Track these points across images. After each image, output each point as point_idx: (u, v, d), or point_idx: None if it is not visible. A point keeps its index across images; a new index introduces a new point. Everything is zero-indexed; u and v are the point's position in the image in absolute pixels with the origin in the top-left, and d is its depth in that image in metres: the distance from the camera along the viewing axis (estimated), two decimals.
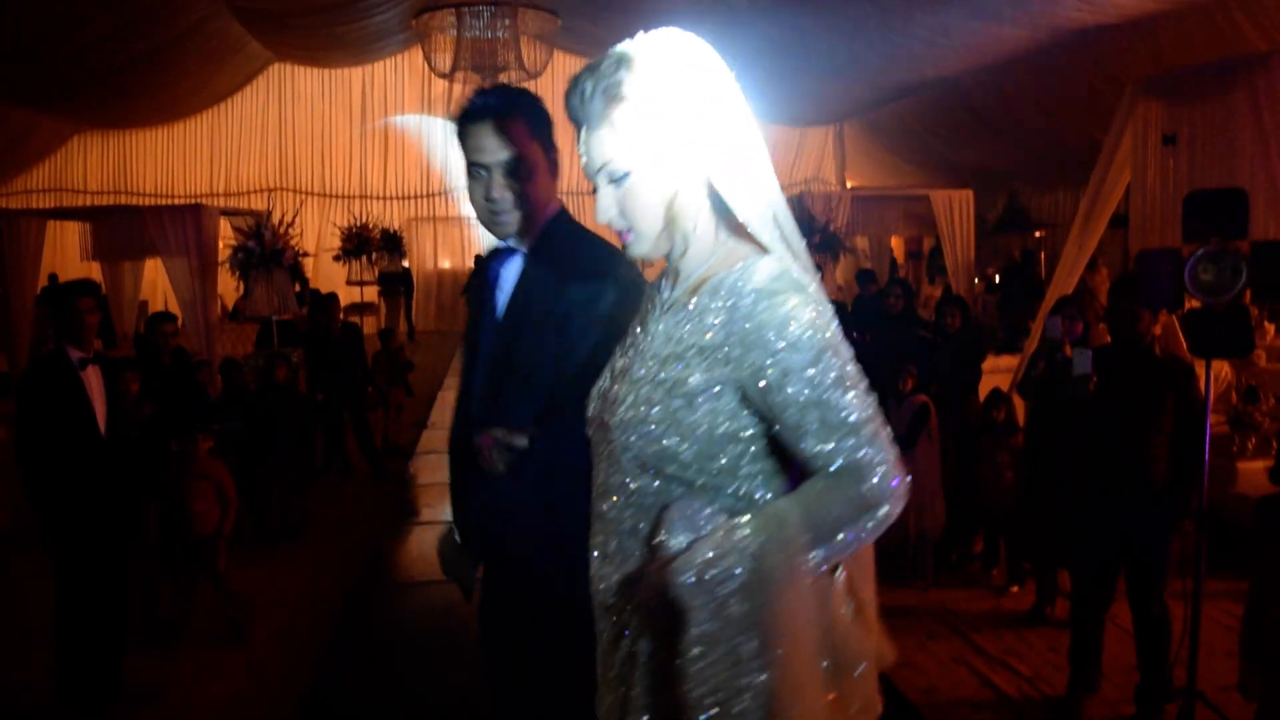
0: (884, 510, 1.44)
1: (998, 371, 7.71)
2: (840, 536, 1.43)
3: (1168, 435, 3.95)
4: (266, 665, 4.84)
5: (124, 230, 10.27)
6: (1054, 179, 15.17)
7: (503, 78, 12.04)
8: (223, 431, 5.84)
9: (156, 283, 14.25)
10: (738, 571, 1.39)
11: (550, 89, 18.75)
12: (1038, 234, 14.95)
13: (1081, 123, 11.98)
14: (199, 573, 5.04)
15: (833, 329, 1.46)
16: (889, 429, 1.49)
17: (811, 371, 1.42)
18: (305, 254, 8.48)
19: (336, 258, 15.66)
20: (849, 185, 20.48)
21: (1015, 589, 5.56)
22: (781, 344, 1.42)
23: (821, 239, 8.95)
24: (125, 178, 18.25)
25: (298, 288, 9.46)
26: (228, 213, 11.96)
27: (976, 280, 14.58)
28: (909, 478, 1.47)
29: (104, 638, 4.26)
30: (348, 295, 15.90)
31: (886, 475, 1.44)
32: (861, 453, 1.43)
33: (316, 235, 17.22)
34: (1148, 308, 3.76)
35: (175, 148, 18.62)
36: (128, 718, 4.32)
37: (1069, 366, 4.08)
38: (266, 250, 7.66)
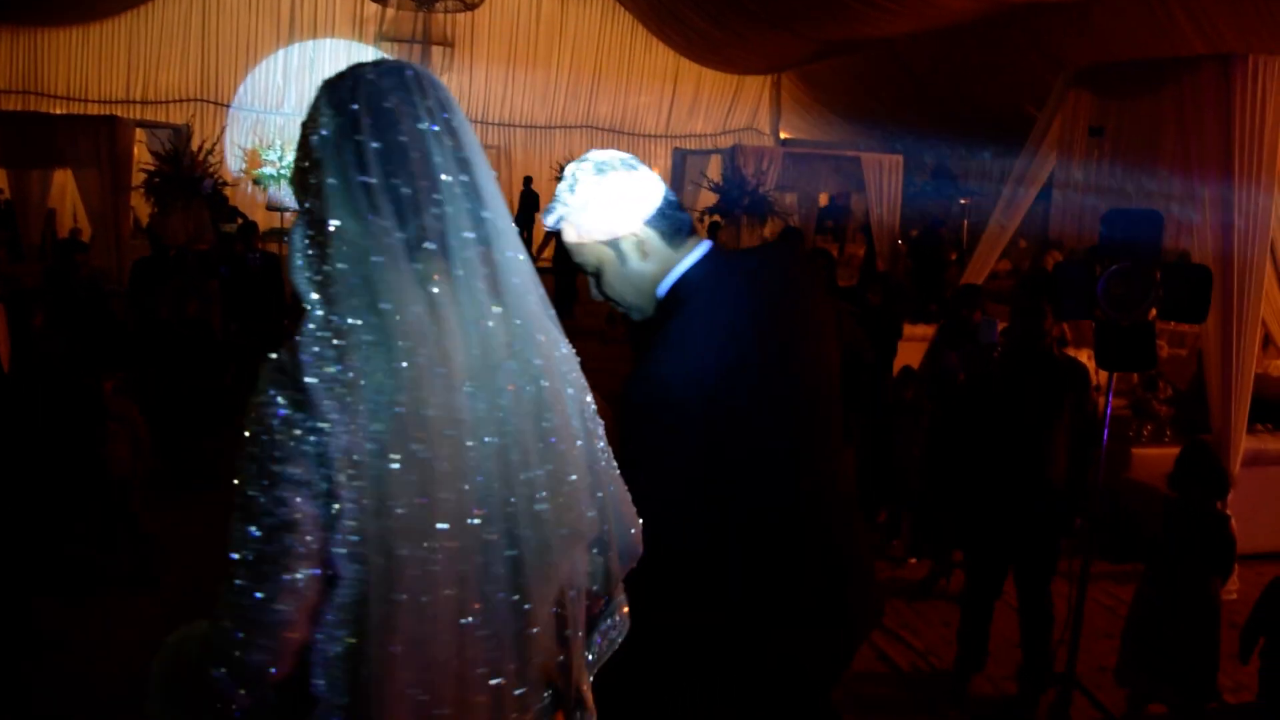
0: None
1: (913, 340, 7.88)
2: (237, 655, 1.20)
3: (1064, 435, 4.10)
4: (178, 610, 4.79)
5: (33, 138, 9.84)
6: (983, 147, 15.40)
7: (439, 7, 11.69)
8: (130, 373, 5.68)
9: (66, 190, 13.67)
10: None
11: (488, 23, 18.33)
12: (963, 200, 15.22)
13: (1014, 96, 12.16)
14: (112, 516, 4.92)
15: (276, 420, 1.18)
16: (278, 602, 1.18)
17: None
18: (224, 183, 8.21)
19: (257, 181, 15.19)
20: (783, 137, 20.51)
21: (913, 562, 5.75)
22: None
23: (750, 201, 8.96)
24: (35, 77, 17.33)
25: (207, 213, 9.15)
26: (145, 125, 11.49)
27: (900, 242, 14.82)
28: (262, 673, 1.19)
29: (9, 584, 4.16)
30: (267, 221, 15.47)
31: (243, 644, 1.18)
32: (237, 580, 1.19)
33: (246, 151, 16.64)
34: (1060, 318, 3.89)
35: (90, 49, 17.69)
36: (36, 665, 4.24)
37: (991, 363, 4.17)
38: (184, 177, 7.40)
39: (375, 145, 1.23)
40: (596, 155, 1.93)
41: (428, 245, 1.22)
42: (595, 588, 1.44)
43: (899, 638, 4.85)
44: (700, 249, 1.95)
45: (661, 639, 1.83)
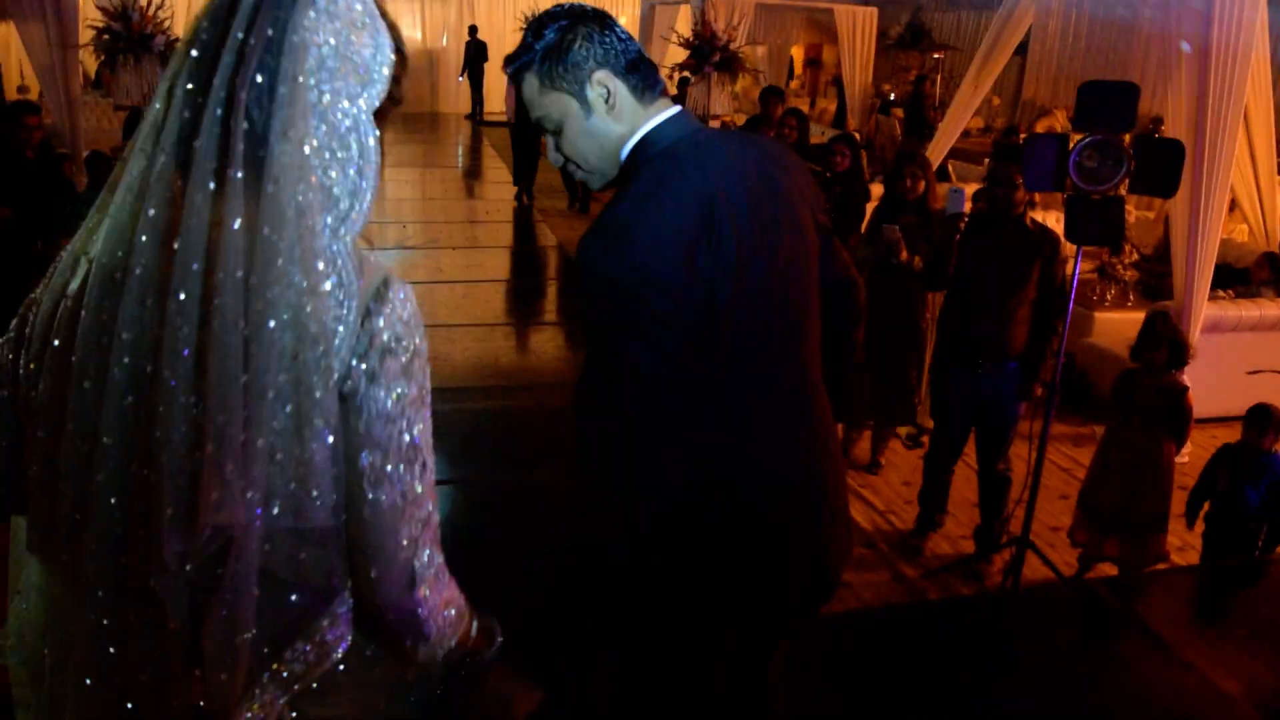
0: None
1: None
2: None
3: (1031, 304, 4.14)
4: None
5: None
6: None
7: None
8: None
9: (10, 44, 13.11)
10: None
11: None
12: (937, 55, 14.92)
13: None
14: None
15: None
16: None
17: None
18: (178, 39, 7.81)
19: None
20: None
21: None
22: None
23: (722, 58, 8.74)
24: None
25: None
26: None
27: (875, 99, 14.60)
28: None
29: None
30: None
31: None
32: None
33: (188, 5, 15.91)
34: (1030, 188, 3.87)
35: None
36: None
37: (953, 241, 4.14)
38: (134, 34, 7.08)
39: (178, 42, 1.17)
40: (565, 4, 1.81)
41: (161, 150, 1.11)
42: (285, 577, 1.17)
43: (860, 496, 5.00)
44: (670, 110, 1.80)
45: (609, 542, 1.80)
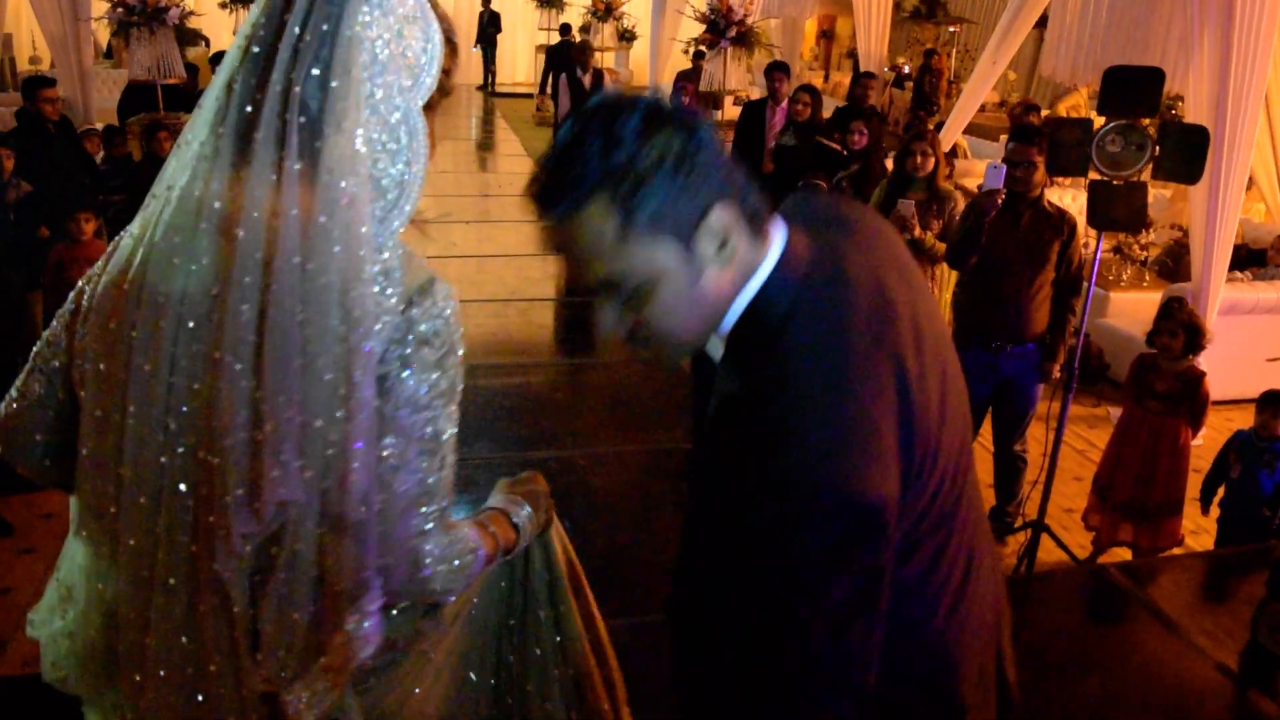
0: None
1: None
2: None
3: (1049, 285, 4.13)
4: None
5: None
6: None
7: None
8: (108, 202, 5.56)
9: (20, 13, 13.08)
10: None
11: None
12: (952, 28, 14.79)
13: None
14: None
15: None
16: None
17: None
18: (192, 12, 7.82)
19: (223, 4, 14.55)
20: None
21: None
22: None
23: (738, 34, 8.69)
24: None
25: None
26: None
27: (887, 69, 14.50)
28: None
29: None
30: None
31: None
32: None
33: None
34: (1053, 173, 3.84)
35: None
36: None
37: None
38: (148, 6, 7.07)
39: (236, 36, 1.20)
40: (631, 94, 1.13)
41: (223, 143, 1.14)
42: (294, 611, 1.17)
43: None
44: (780, 232, 1.20)
45: None
